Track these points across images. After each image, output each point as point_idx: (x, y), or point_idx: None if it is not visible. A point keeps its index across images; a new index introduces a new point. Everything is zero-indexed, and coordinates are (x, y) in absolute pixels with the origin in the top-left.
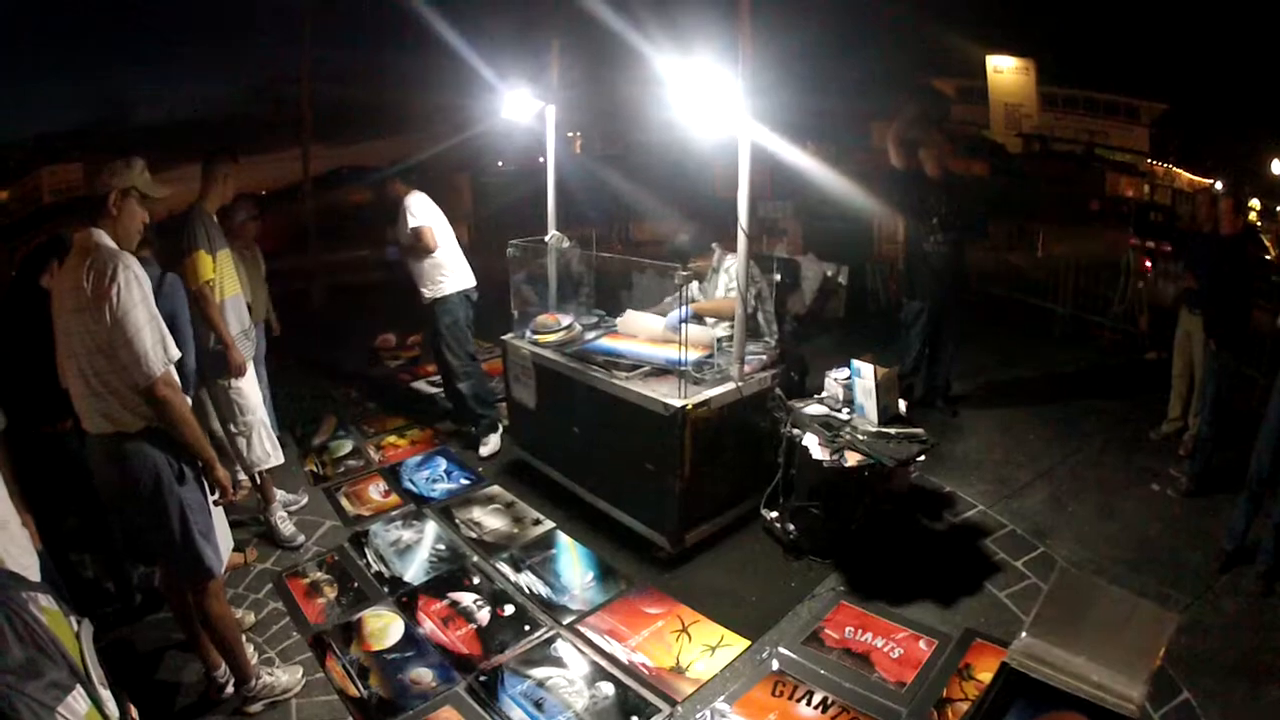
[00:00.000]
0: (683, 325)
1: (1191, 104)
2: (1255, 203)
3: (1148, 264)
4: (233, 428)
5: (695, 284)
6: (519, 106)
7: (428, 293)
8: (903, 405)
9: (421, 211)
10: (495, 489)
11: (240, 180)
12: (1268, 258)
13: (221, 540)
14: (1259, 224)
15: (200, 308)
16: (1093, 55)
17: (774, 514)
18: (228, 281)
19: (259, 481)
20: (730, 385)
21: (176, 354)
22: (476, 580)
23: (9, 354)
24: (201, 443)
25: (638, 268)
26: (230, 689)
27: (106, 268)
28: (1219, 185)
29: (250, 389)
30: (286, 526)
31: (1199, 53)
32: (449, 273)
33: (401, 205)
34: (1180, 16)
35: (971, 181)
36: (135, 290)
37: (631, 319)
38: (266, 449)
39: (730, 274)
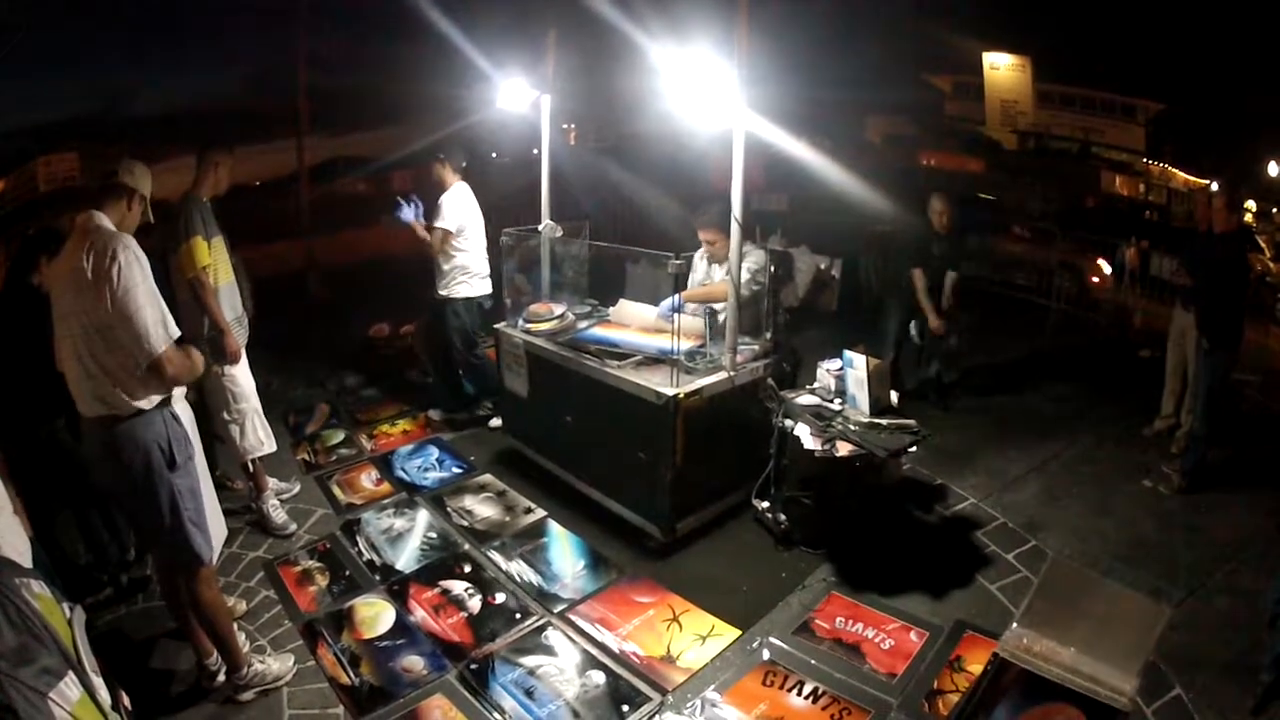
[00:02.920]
0: (675, 314)
1: (1189, 104)
2: (1251, 204)
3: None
4: (225, 415)
5: (705, 264)
6: (515, 97)
7: (442, 289)
8: (894, 397)
9: (454, 212)
10: (487, 477)
11: (237, 169)
12: (1262, 258)
13: (214, 527)
14: (1255, 225)
15: (197, 294)
16: (1090, 53)
17: (765, 504)
18: (221, 269)
19: (251, 469)
20: (722, 375)
21: (177, 332)
22: (468, 569)
23: (3, 350)
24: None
25: (632, 257)
26: (222, 677)
27: (107, 248)
28: (1215, 185)
29: (244, 377)
30: (279, 515)
31: (1197, 52)
32: (469, 277)
33: (441, 197)
34: (1178, 16)
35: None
36: (136, 269)
37: (624, 308)
38: (260, 437)
39: (748, 259)
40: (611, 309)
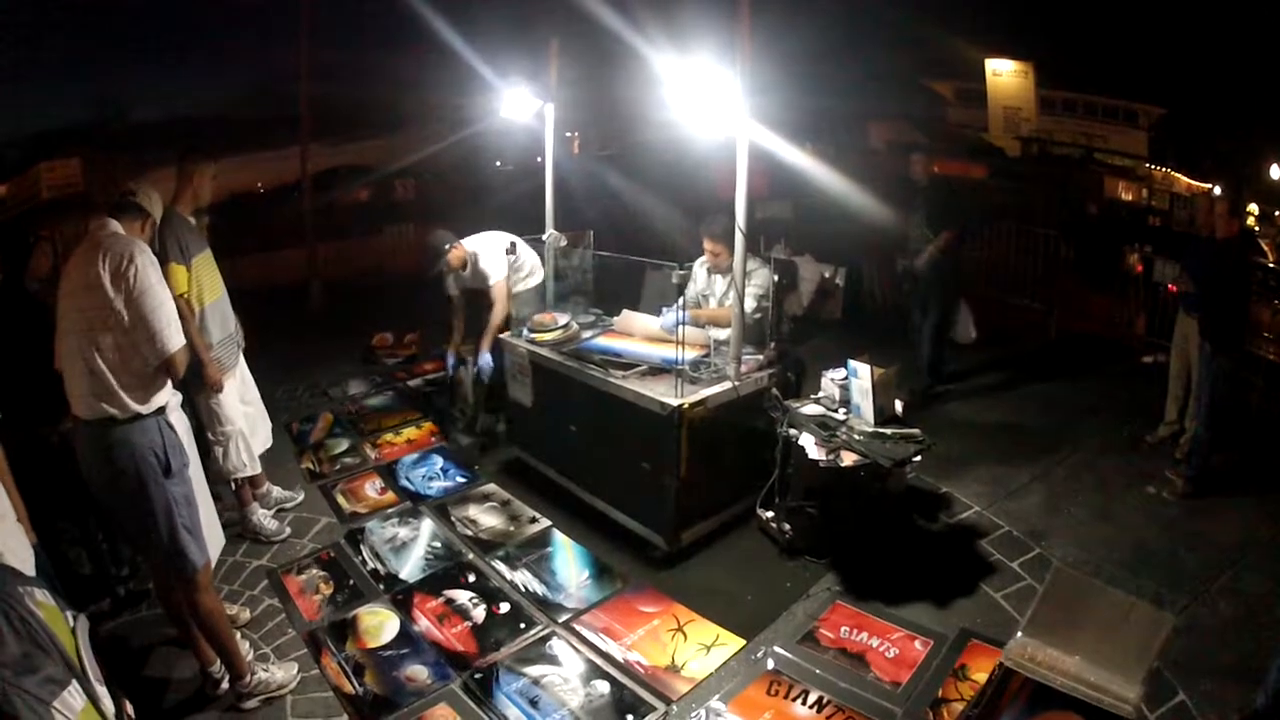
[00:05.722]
0: (679, 325)
1: (1191, 108)
2: (1253, 207)
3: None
4: (209, 436)
5: (705, 273)
6: (518, 105)
7: None
8: (899, 406)
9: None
10: (491, 487)
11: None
12: (1267, 262)
13: (210, 536)
14: (1257, 229)
15: None
16: (1092, 59)
17: (770, 514)
18: (207, 288)
19: (234, 487)
20: (727, 385)
21: (182, 340)
22: (472, 578)
23: (5, 352)
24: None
25: (637, 267)
26: (226, 685)
27: (125, 250)
28: (1217, 189)
29: (229, 400)
30: (269, 522)
31: (1199, 57)
32: None
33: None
34: (1180, 20)
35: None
36: (151, 272)
37: (628, 318)
38: (243, 459)
39: (754, 279)
40: (615, 319)
